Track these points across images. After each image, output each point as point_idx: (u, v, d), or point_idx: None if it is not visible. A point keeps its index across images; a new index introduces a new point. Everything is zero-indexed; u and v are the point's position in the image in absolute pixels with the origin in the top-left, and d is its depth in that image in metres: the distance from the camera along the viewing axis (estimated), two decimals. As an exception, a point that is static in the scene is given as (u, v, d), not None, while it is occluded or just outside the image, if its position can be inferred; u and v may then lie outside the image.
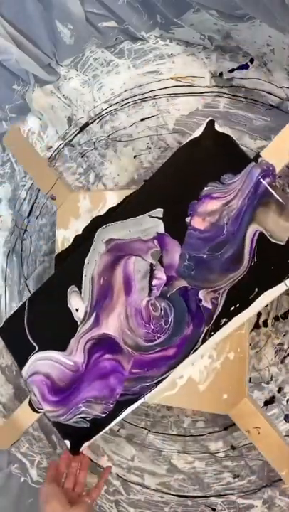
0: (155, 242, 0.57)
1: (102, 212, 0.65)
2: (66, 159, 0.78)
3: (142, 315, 0.58)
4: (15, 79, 0.72)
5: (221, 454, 0.68)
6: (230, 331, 0.53)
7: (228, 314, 0.53)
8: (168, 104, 0.69)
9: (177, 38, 0.67)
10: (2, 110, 0.75)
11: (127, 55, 0.70)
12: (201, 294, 0.54)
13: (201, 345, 0.55)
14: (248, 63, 0.64)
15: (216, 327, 0.54)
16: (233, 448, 0.67)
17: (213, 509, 0.67)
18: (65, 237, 0.67)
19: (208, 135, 0.53)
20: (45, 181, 0.69)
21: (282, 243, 0.50)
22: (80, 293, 0.62)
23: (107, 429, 0.60)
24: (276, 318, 0.66)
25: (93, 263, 0.61)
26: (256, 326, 0.66)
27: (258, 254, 0.51)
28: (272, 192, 0.50)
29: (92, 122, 0.75)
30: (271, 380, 0.65)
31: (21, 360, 0.65)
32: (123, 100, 0.72)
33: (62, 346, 0.62)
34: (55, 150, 0.78)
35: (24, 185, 0.81)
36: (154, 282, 0.57)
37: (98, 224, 0.62)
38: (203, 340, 0.54)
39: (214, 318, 0.54)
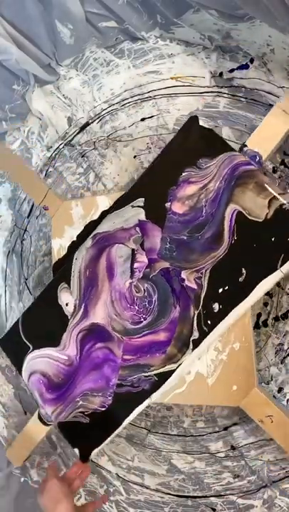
0: (137, 229, 0.58)
1: (95, 217, 0.65)
2: (66, 159, 0.78)
3: (125, 297, 0.58)
4: (15, 79, 0.72)
5: (221, 454, 0.67)
6: (232, 321, 0.53)
7: (219, 298, 0.53)
8: (168, 104, 0.69)
9: (177, 37, 0.67)
10: (2, 110, 0.75)
11: (127, 55, 0.70)
12: (184, 274, 0.55)
13: (199, 335, 0.54)
14: (248, 63, 0.64)
15: (210, 313, 0.53)
16: (233, 448, 0.67)
17: (213, 509, 0.67)
18: (61, 245, 0.68)
19: (188, 129, 0.56)
20: (37, 193, 0.70)
21: (260, 220, 0.51)
22: (69, 288, 0.63)
23: (117, 432, 0.59)
24: (276, 318, 0.65)
25: (80, 258, 0.62)
26: (256, 326, 0.66)
27: (237, 232, 0.52)
28: (258, 172, 0.51)
29: (92, 122, 0.75)
30: (271, 380, 0.65)
31: (19, 363, 0.66)
32: (123, 100, 0.72)
33: (55, 342, 0.63)
34: (55, 150, 0.78)
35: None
36: (136, 265, 0.58)
37: (92, 229, 0.63)
38: (200, 328, 0.54)
39: (202, 299, 0.54)
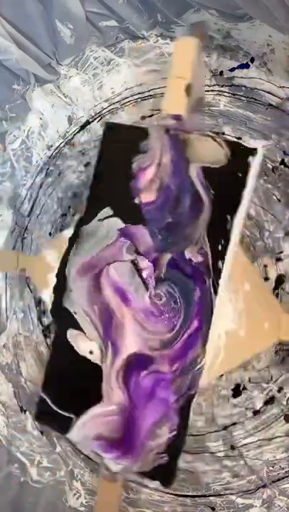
0: (121, 238, 0.55)
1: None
2: (67, 158, 0.78)
3: (152, 312, 0.54)
4: (15, 78, 0.72)
5: (221, 454, 0.67)
6: (230, 266, 0.52)
7: (219, 254, 0.52)
8: (168, 103, 0.70)
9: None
10: (2, 110, 0.75)
11: (128, 54, 0.70)
12: (188, 254, 0.52)
13: (215, 296, 0.52)
14: (249, 63, 0.64)
15: (218, 273, 0.52)
16: (232, 448, 0.67)
17: (213, 508, 0.67)
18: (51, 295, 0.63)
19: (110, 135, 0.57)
20: (9, 262, 0.70)
21: (224, 163, 0.51)
22: (84, 333, 0.56)
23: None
24: (276, 318, 0.65)
25: (76, 298, 0.57)
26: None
27: (211, 186, 0.52)
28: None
29: (92, 121, 0.75)
30: (271, 380, 0.65)
31: (63, 431, 0.57)
32: (124, 99, 0.72)
33: (96, 398, 0.54)
34: (55, 149, 0.78)
35: (25, 184, 0.81)
36: (145, 274, 0.54)
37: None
38: (215, 290, 0.52)
39: (210, 265, 0.52)
